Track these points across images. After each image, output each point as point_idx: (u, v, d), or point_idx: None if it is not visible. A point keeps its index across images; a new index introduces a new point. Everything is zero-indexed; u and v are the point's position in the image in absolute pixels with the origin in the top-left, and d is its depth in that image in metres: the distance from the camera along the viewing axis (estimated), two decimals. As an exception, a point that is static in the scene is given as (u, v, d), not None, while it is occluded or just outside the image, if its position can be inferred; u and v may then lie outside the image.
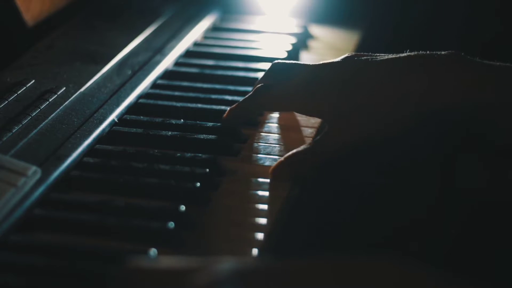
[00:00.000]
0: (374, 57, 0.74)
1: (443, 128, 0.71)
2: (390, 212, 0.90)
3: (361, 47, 1.06)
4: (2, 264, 0.58)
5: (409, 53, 0.72)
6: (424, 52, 0.71)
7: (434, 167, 0.81)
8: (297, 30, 1.05)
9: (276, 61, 0.81)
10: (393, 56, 0.73)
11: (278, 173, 0.72)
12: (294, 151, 0.73)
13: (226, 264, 0.48)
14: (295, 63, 0.79)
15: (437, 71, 0.69)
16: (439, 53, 0.71)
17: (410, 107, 0.69)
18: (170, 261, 0.50)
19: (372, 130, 0.71)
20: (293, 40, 1.02)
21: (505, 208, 0.88)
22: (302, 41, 1.04)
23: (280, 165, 0.72)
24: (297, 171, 0.72)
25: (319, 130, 0.81)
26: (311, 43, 1.06)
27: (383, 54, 0.74)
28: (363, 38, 1.08)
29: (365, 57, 0.74)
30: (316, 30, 1.09)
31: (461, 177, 0.84)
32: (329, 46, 1.06)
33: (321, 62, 0.77)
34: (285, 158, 0.73)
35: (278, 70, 0.79)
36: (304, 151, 0.73)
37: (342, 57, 0.75)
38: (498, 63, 0.69)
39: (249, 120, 0.81)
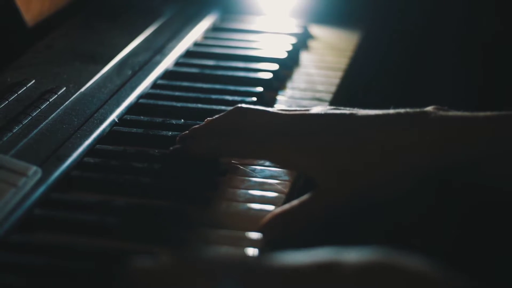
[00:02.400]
0: (354, 112, 0.68)
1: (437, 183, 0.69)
2: (390, 212, 0.90)
3: (361, 47, 1.06)
4: (2, 264, 0.58)
5: (397, 110, 0.68)
6: (410, 110, 0.67)
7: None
8: (297, 30, 1.05)
9: (240, 105, 0.73)
10: (382, 112, 0.68)
11: (269, 230, 0.64)
12: (287, 207, 0.66)
13: (227, 263, 0.48)
14: (263, 110, 0.72)
15: (425, 127, 0.66)
16: (424, 109, 0.67)
17: (406, 167, 0.65)
18: (172, 261, 0.50)
19: (367, 189, 0.66)
20: (293, 40, 1.02)
21: (505, 208, 0.88)
22: (302, 41, 1.04)
23: (273, 219, 0.65)
24: (290, 229, 0.66)
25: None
26: (311, 43, 1.06)
27: (361, 110, 0.69)
28: (363, 38, 1.08)
29: (346, 111, 0.69)
30: (316, 30, 1.09)
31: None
32: (329, 46, 1.06)
33: (297, 113, 0.70)
34: (278, 216, 0.65)
35: (244, 116, 0.71)
36: (297, 209, 0.66)
37: (319, 111, 0.70)
38: (482, 114, 0.67)
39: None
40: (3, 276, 0.57)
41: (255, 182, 0.72)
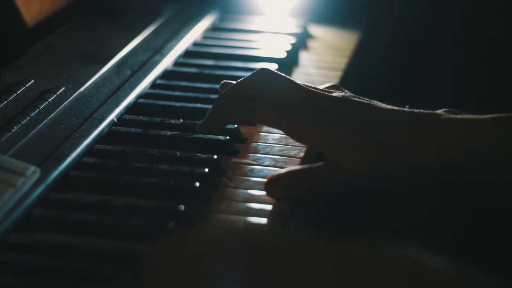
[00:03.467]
0: (372, 103, 0.71)
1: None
2: (390, 212, 0.90)
3: (361, 47, 1.06)
4: (2, 264, 0.58)
5: (411, 109, 0.71)
6: (424, 110, 0.70)
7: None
8: (296, 30, 1.05)
9: (264, 67, 0.74)
10: (398, 108, 0.71)
11: (273, 186, 0.69)
12: (296, 168, 0.71)
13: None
14: (289, 79, 0.73)
15: (435, 128, 0.69)
16: (436, 111, 0.70)
17: (411, 162, 0.68)
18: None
19: (376, 171, 0.69)
20: (293, 40, 1.02)
21: (505, 208, 0.88)
22: (302, 41, 1.04)
23: (278, 179, 0.70)
24: (293, 191, 0.70)
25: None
26: (311, 43, 1.06)
27: (379, 103, 0.72)
28: (363, 38, 1.08)
29: (365, 101, 0.72)
30: (316, 30, 1.09)
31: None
32: (329, 46, 1.06)
33: (319, 92, 0.72)
34: (285, 173, 0.70)
35: (265, 77, 0.73)
36: (305, 172, 0.70)
37: (340, 95, 0.72)
38: (488, 116, 0.69)
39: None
40: (2, 276, 0.57)
41: (255, 182, 0.72)
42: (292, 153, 0.77)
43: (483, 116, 0.69)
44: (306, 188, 0.70)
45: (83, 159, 0.72)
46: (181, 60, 0.95)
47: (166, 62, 0.92)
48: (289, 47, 0.99)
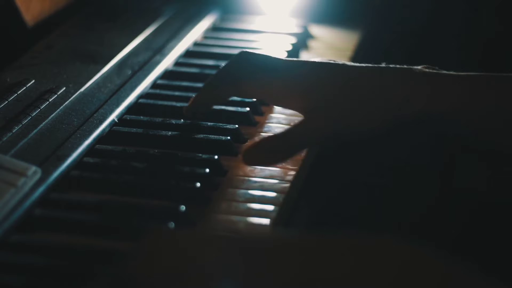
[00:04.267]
0: (347, 63, 0.76)
1: (433, 136, 0.73)
2: (390, 212, 0.90)
3: (361, 47, 1.06)
4: (2, 264, 0.58)
5: (387, 65, 0.75)
6: (402, 66, 0.74)
7: (434, 169, 0.81)
8: (297, 30, 1.05)
9: (244, 50, 0.79)
10: (373, 65, 0.75)
11: (251, 155, 0.72)
12: (270, 135, 0.74)
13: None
14: (267, 55, 0.78)
15: (428, 82, 0.72)
16: (412, 67, 0.74)
17: (392, 110, 0.71)
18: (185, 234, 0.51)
19: (348, 125, 0.72)
20: (293, 40, 1.02)
21: (505, 208, 0.88)
22: (302, 41, 1.04)
23: (255, 148, 0.72)
24: (270, 157, 0.72)
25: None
26: (311, 43, 1.06)
27: (354, 63, 0.76)
28: (363, 38, 1.08)
29: (339, 62, 0.76)
30: (316, 30, 1.09)
31: (461, 177, 0.84)
32: (329, 46, 1.06)
33: (295, 60, 0.78)
34: (261, 141, 0.73)
35: (248, 59, 0.77)
36: (280, 137, 0.73)
37: (317, 59, 0.77)
38: (462, 74, 0.73)
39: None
40: (3, 276, 0.57)
41: (255, 182, 0.72)
42: (293, 153, 0.76)
43: (457, 74, 0.72)
44: (281, 151, 0.72)
45: (83, 159, 0.72)
46: (181, 60, 0.95)
47: (167, 62, 0.92)
48: (289, 47, 0.99)
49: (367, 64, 0.75)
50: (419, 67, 0.74)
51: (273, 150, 0.72)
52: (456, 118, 0.71)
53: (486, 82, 0.72)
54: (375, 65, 0.75)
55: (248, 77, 0.75)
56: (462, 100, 0.71)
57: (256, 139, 0.79)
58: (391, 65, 0.74)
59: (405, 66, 0.74)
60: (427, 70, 0.73)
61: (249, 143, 0.75)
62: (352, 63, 0.76)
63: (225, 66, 0.78)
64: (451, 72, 0.73)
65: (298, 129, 0.73)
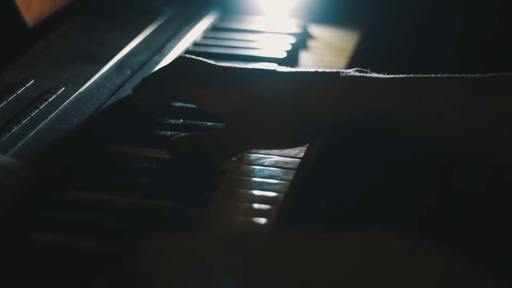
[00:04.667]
0: (276, 68, 0.76)
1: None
2: (390, 212, 0.90)
3: (361, 47, 1.06)
4: (2, 264, 0.58)
5: (315, 70, 0.74)
6: (329, 70, 0.74)
7: (434, 169, 0.81)
8: (296, 30, 1.05)
9: (182, 55, 0.81)
10: (300, 70, 0.75)
11: (176, 146, 0.73)
12: (198, 132, 0.75)
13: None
14: (200, 60, 0.78)
15: (342, 84, 0.72)
16: (340, 70, 0.73)
17: (310, 118, 0.71)
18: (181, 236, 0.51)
19: (264, 132, 0.73)
20: (293, 40, 1.02)
21: (505, 208, 0.88)
22: (302, 41, 1.04)
23: (181, 140, 0.73)
24: (192, 151, 0.73)
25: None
26: (311, 43, 1.06)
27: (285, 68, 0.76)
28: (362, 38, 1.08)
29: (270, 68, 0.76)
30: (316, 30, 1.09)
31: (461, 177, 0.84)
32: (329, 46, 1.06)
33: (225, 65, 0.78)
34: (188, 135, 0.73)
35: (185, 63, 0.78)
36: (206, 135, 0.74)
37: (246, 66, 0.77)
38: (396, 76, 0.72)
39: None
40: (3, 276, 0.57)
41: (255, 182, 0.72)
42: (292, 153, 0.77)
43: (377, 76, 0.72)
44: (205, 150, 0.73)
45: (83, 159, 0.72)
46: (181, 60, 0.95)
47: (166, 62, 0.92)
48: (289, 47, 0.99)
49: (295, 70, 0.75)
50: (348, 71, 0.73)
51: (196, 148, 0.73)
52: (374, 121, 0.70)
53: (406, 83, 0.71)
54: (303, 70, 0.74)
55: (178, 79, 0.76)
56: (377, 101, 0.70)
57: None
58: (319, 70, 0.74)
59: (333, 70, 0.73)
60: (353, 74, 0.72)
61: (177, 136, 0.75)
62: (281, 69, 0.76)
63: (163, 67, 0.80)
64: (375, 75, 0.72)
65: (226, 133, 0.73)
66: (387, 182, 0.92)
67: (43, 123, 0.75)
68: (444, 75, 0.71)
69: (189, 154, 0.72)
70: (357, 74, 0.72)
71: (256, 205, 0.68)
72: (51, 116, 0.76)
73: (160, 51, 0.95)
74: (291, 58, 0.98)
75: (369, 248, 0.47)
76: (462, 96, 0.69)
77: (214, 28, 1.07)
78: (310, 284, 0.45)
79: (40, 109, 0.77)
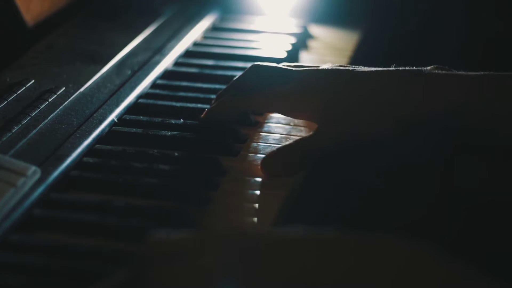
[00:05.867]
0: (356, 68, 0.77)
1: (436, 135, 0.74)
2: (390, 212, 0.90)
3: (361, 47, 1.06)
4: (2, 264, 0.58)
5: (396, 68, 0.76)
6: (411, 68, 0.75)
7: (434, 168, 0.81)
8: (296, 30, 1.05)
9: (256, 63, 0.80)
10: (382, 68, 0.76)
11: (268, 166, 0.73)
12: (286, 143, 0.74)
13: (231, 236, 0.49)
14: (277, 66, 0.79)
15: (428, 82, 0.74)
16: (421, 68, 0.75)
17: (400, 115, 0.72)
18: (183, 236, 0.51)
19: (361, 132, 0.73)
20: (293, 40, 1.02)
21: (505, 208, 0.88)
22: (302, 41, 1.04)
23: (270, 159, 0.73)
24: (288, 166, 0.73)
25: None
26: (311, 43, 1.06)
27: (364, 67, 0.77)
28: (363, 38, 1.08)
29: (349, 67, 0.77)
30: (316, 30, 1.09)
31: (461, 176, 0.84)
32: (329, 46, 1.06)
33: (306, 69, 0.78)
34: (276, 152, 0.73)
35: (260, 72, 0.79)
36: (296, 145, 0.74)
37: (326, 67, 0.78)
38: (477, 73, 0.74)
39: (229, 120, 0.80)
40: (3, 276, 0.57)
41: (255, 182, 0.72)
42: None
43: (466, 74, 0.73)
44: (298, 160, 0.73)
45: (83, 159, 0.72)
46: (181, 60, 0.96)
47: (167, 62, 0.93)
48: (289, 47, 0.99)
49: (376, 68, 0.76)
50: (428, 68, 0.75)
51: (289, 161, 0.73)
52: (456, 117, 0.72)
53: (487, 80, 0.73)
54: (385, 69, 0.76)
55: (261, 89, 0.77)
56: (461, 99, 0.72)
57: (256, 138, 0.79)
58: (400, 68, 0.76)
59: (414, 68, 0.75)
60: (435, 71, 0.74)
61: (268, 153, 0.74)
62: (362, 68, 0.77)
63: (237, 79, 0.80)
64: (455, 72, 0.74)
65: (314, 140, 0.74)
66: (386, 182, 0.91)
67: (43, 123, 0.75)
68: None
69: (283, 170, 0.73)
70: (440, 71, 0.74)
71: (256, 205, 0.68)
72: (51, 116, 0.76)
73: (161, 51, 0.95)
74: (292, 58, 0.98)
75: (369, 249, 0.47)
76: None
77: (214, 28, 1.07)
78: (310, 285, 0.45)
79: (40, 109, 0.77)
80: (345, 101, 0.74)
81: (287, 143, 0.75)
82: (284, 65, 0.80)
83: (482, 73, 0.73)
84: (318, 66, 0.79)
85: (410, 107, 0.72)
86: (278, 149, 0.74)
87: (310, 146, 0.74)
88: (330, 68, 0.77)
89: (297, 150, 0.74)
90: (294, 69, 0.78)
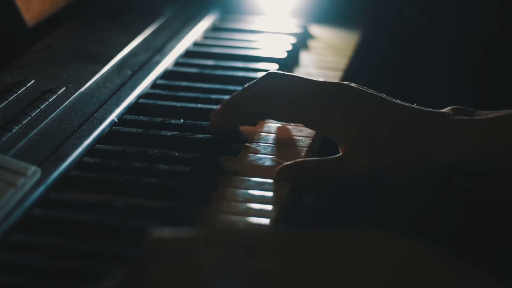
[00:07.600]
0: (383, 96, 0.74)
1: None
2: (390, 211, 0.90)
3: (361, 47, 1.06)
4: (2, 264, 0.58)
5: (420, 108, 0.73)
6: (432, 109, 0.73)
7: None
8: (297, 30, 1.05)
9: (271, 70, 0.78)
10: (407, 104, 0.73)
11: (283, 174, 0.72)
12: (307, 160, 0.73)
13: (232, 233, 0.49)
14: (291, 75, 0.77)
15: (450, 129, 0.71)
16: (443, 111, 0.72)
17: (417, 161, 0.71)
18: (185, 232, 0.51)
19: (385, 169, 0.71)
20: (293, 40, 1.02)
21: (504, 208, 0.88)
22: (302, 41, 1.04)
23: (288, 168, 0.72)
24: (301, 179, 0.72)
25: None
26: (311, 43, 1.06)
27: (378, 94, 0.75)
28: (363, 38, 1.08)
29: (372, 92, 0.75)
30: (316, 30, 1.09)
31: (460, 176, 0.83)
32: (329, 46, 1.06)
33: (328, 82, 0.75)
34: (295, 163, 0.72)
35: (275, 79, 0.76)
36: (316, 165, 0.73)
37: (353, 85, 0.75)
38: (493, 115, 0.71)
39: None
40: (3, 276, 0.57)
41: (255, 182, 0.72)
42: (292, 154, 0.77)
43: (486, 116, 0.71)
44: (314, 179, 0.73)
45: (83, 159, 0.72)
46: (181, 60, 0.96)
47: (167, 62, 0.93)
48: (289, 47, 0.99)
49: (402, 103, 0.73)
50: (450, 112, 0.72)
51: (305, 178, 0.72)
52: (484, 162, 0.70)
53: (503, 121, 0.71)
54: (412, 106, 0.73)
55: (284, 98, 0.75)
56: (491, 145, 0.70)
57: (256, 138, 0.79)
58: (424, 109, 0.73)
59: (438, 111, 0.72)
60: (456, 117, 0.71)
61: (288, 164, 0.73)
62: (387, 98, 0.74)
63: (254, 85, 0.77)
64: (480, 116, 0.72)
65: (336, 165, 0.72)
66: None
67: (43, 123, 0.75)
68: None
69: (297, 183, 0.72)
70: (458, 116, 0.71)
71: (256, 205, 0.68)
72: (51, 116, 0.76)
73: (161, 51, 0.95)
74: (292, 58, 0.98)
75: (369, 247, 0.47)
76: None
77: (214, 28, 1.07)
78: (310, 285, 0.45)
79: (40, 109, 0.77)
80: (379, 137, 0.71)
81: (305, 160, 0.73)
82: (301, 76, 0.77)
83: (498, 114, 0.71)
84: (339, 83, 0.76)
85: (441, 154, 0.70)
86: (295, 165, 0.72)
87: (330, 171, 0.72)
88: (357, 87, 0.74)
89: (315, 171, 0.72)
90: (315, 80, 0.76)
